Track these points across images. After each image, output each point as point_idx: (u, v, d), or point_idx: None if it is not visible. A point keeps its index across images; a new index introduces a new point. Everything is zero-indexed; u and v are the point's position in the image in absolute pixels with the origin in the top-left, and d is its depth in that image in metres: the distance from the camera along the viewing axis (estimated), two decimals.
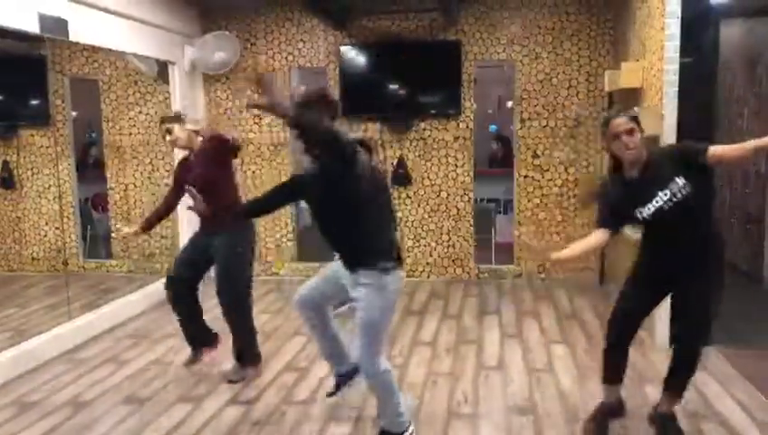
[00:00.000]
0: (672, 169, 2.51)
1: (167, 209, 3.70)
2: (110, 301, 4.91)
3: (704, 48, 3.77)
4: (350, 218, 2.57)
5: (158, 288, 5.30)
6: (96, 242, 6.60)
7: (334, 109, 2.59)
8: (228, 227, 3.42)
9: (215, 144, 3.48)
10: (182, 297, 3.58)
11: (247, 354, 3.64)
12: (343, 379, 3.09)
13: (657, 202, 2.51)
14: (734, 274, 5.60)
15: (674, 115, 3.78)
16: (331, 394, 3.13)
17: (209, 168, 3.42)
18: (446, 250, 5.91)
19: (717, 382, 3.43)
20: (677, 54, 3.75)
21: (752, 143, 2.44)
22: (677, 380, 2.76)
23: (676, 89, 3.77)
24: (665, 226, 2.57)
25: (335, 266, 2.82)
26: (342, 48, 5.76)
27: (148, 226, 3.64)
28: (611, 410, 2.91)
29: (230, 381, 3.55)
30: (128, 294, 5.10)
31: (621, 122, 2.53)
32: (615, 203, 2.63)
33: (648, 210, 2.53)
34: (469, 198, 5.83)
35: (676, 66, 3.76)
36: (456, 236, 5.88)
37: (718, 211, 5.73)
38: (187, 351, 3.74)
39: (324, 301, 2.93)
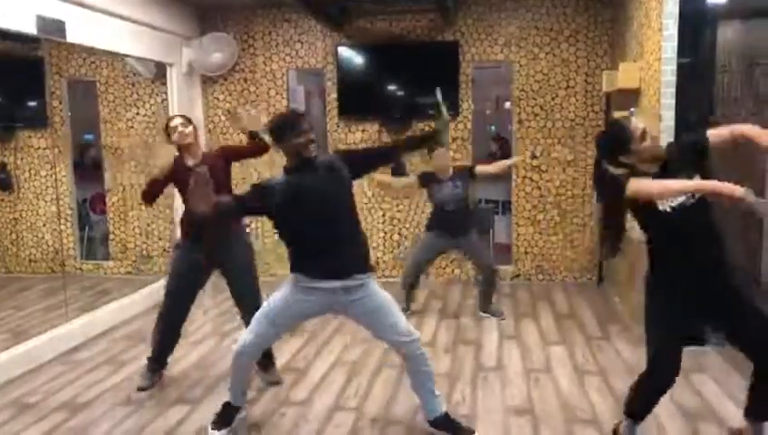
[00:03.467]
0: (690, 166, 2.40)
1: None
2: (107, 302, 4.90)
3: (701, 49, 3.78)
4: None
5: (156, 290, 5.31)
6: (94, 243, 6.58)
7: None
8: (235, 236, 3.50)
9: (224, 162, 3.58)
10: (177, 324, 3.59)
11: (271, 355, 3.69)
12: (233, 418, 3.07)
13: (680, 197, 2.36)
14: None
15: (671, 116, 3.78)
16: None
17: (220, 174, 3.47)
18: None
19: (715, 382, 3.44)
20: (675, 55, 3.76)
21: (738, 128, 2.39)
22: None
23: (674, 90, 3.77)
24: (684, 225, 2.41)
25: (295, 303, 2.84)
26: (340, 49, 5.76)
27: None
28: None
29: (277, 383, 3.59)
30: (125, 295, 5.09)
31: (637, 122, 2.42)
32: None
33: (671, 202, 2.37)
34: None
35: (674, 67, 3.76)
36: None
37: (716, 211, 5.73)
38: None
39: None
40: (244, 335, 2.90)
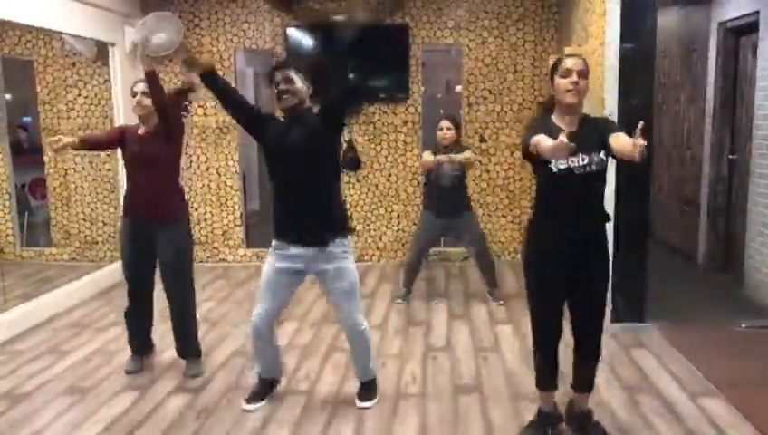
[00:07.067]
0: (598, 141, 2.42)
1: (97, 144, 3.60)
2: (49, 290, 4.73)
3: (643, 34, 3.87)
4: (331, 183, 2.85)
5: (100, 276, 5.18)
6: (35, 229, 6.35)
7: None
8: (173, 215, 3.36)
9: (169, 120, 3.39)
10: (142, 303, 3.51)
11: (197, 346, 3.56)
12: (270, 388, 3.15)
13: (572, 162, 2.39)
14: (671, 252, 5.82)
15: (614, 99, 3.86)
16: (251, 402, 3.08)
17: (164, 147, 3.35)
18: (395, 234, 5.94)
19: (654, 356, 3.57)
20: (618, 40, 3.84)
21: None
22: (588, 374, 2.67)
23: (617, 74, 3.86)
24: (567, 189, 2.45)
25: (277, 272, 2.86)
26: (289, 30, 5.68)
27: (81, 145, 3.38)
28: (549, 419, 2.74)
29: (195, 376, 3.44)
30: (68, 282, 4.93)
31: (577, 62, 2.43)
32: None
33: (560, 163, 2.39)
34: (418, 182, 5.86)
35: (617, 52, 3.85)
36: (406, 220, 5.91)
37: (657, 193, 5.93)
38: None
39: (279, 313, 3.02)
40: (255, 309, 2.93)
